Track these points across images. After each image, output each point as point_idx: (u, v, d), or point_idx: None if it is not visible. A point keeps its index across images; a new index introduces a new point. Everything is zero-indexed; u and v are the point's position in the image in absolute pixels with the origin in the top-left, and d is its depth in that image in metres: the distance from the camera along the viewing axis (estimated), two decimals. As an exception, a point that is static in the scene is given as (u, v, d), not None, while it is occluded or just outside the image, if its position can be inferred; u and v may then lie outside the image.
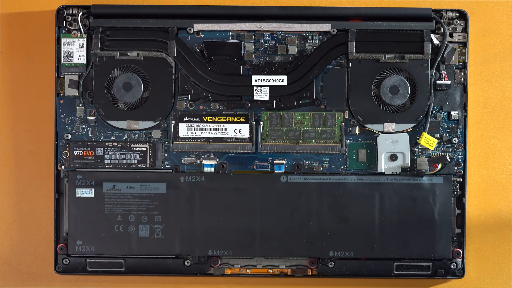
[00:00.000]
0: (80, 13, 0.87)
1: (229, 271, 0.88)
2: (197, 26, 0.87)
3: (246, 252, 0.87)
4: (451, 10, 0.87)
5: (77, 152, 0.87)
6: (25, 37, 0.89)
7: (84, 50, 0.87)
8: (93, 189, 0.87)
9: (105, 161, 0.87)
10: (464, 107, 0.88)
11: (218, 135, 0.87)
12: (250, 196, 0.86)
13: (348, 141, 0.88)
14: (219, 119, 0.87)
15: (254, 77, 0.87)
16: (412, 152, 0.87)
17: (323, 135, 0.87)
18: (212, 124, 0.87)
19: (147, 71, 0.87)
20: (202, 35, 0.87)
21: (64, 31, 0.87)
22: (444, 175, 0.87)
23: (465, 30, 0.87)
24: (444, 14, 0.87)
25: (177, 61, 0.87)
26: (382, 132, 0.87)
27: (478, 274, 0.89)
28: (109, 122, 0.87)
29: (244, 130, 0.87)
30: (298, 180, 0.87)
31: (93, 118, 0.87)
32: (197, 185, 0.87)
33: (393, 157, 0.87)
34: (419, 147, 0.87)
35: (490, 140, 0.89)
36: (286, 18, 0.87)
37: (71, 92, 0.87)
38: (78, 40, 0.87)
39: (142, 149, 0.87)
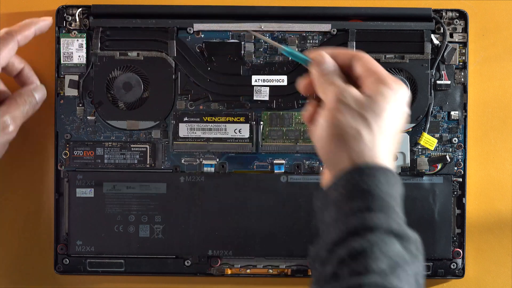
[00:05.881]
0: (80, 13, 0.86)
1: (229, 271, 0.88)
2: (197, 26, 0.87)
3: (246, 252, 0.87)
4: (451, 10, 0.87)
5: (77, 152, 0.87)
6: (25, 37, 0.89)
7: (84, 50, 0.87)
8: (93, 189, 0.87)
9: (105, 161, 0.87)
10: (464, 107, 0.88)
11: (218, 135, 0.87)
12: (250, 196, 0.86)
13: (348, 141, 0.87)
14: (219, 119, 0.87)
15: (254, 77, 0.87)
16: (412, 152, 0.87)
17: (323, 135, 0.87)
18: (212, 124, 0.87)
19: (147, 71, 0.87)
20: (202, 35, 0.87)
21: (64, 31, 0.87)
22: (444, 175, 0.87)
23: (465, 30, 0.87)
24: (444, 14, 0.87)
25: (177, 61, 0.87)
26: (382, 132, 0.87)
27: (478, 274, 0.89)
28: (109, 122, 0.87)
29: (244, 130, 0.87)
30: (298, 180, 0.87)
31: (93, 118, 0.87)
32: (197, 185, 0.87)
33: (393, 157, 0.87)
34: (419, 147, 0.87)
35: (490, 140, 0.89)
36: (286, 18, 0.87)
37: (71, 92, 0.87)
38: (78, 40, 0.87)
39: (142, 149, 0.87)
